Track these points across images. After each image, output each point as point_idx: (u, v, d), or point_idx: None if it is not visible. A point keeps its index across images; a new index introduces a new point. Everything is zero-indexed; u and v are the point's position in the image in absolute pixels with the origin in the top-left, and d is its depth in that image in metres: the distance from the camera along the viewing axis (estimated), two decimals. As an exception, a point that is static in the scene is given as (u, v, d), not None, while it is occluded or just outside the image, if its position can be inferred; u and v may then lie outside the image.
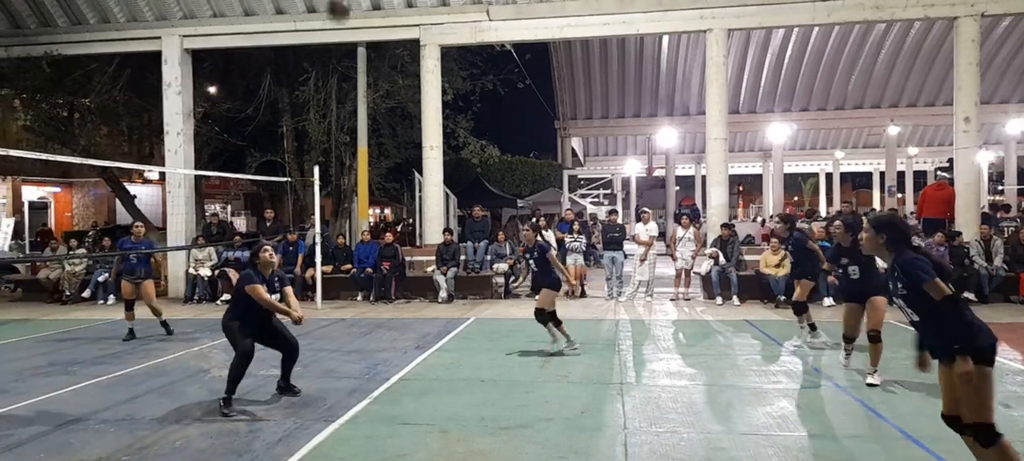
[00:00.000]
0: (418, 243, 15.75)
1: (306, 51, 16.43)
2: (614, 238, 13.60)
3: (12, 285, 16.02)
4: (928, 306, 3.56)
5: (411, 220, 23.57)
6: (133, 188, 21.45)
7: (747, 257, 13.23)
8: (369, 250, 14.12)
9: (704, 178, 22.64)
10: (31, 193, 24.42)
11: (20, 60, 15.23)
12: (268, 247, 6.39)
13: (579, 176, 38.85)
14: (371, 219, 20.42)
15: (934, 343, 3.65)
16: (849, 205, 18.07)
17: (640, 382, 6.85)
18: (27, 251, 20.34)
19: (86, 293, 14.35)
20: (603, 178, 39.66)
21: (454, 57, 17.58)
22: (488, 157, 20.12)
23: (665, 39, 23.76)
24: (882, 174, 38.58)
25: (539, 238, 8.53)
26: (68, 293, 14.30)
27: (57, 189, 25.48)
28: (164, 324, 9.75)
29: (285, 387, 6.43)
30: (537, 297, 8.25)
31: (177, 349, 8.83)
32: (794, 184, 47.74)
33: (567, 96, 27.65)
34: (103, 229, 19.99)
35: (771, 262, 12.31)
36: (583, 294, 13.57)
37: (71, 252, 15.42)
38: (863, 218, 7.39)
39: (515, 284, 14.12)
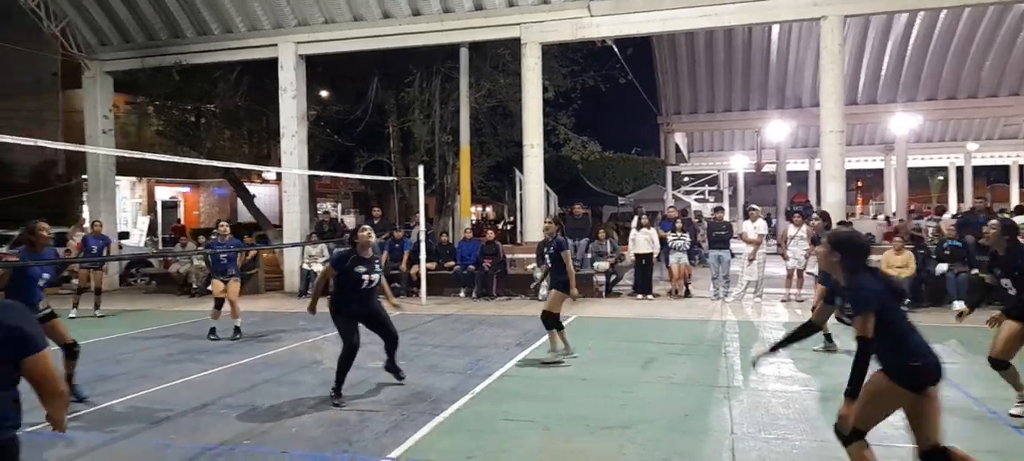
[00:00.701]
0: (519, 241, 15.85)
1: (411, 54, 16.88)
2: (720, 236, 13.17)
3: (147, 278, 17.43)
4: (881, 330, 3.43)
5: (512, 218, 23.75)
6: (252, 188, 22.78)
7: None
8: (471, 247, 14.35)
9: (818, 173, 21.57)
10: (163, 193, 26.44)
11: (153, 70, 16.51)
12: (367, 226, 6.67)
13: (683, 172, 37.88)
14: (473, 217, 20.75)
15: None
16: (982, 202, 16.66)
17: (748, 386, 6.60)
18: (160, 247, 22.04)
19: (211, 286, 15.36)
20: (708, 174, 38.44)
21: (555, 54, 17.55)
22: (589, 154, 19.99)
23: (775, 28, 22.76)
24: (1021, 168, 35.42)
25: (560, 234, 7.82)
26: (195, 286, 15.36)
27: (186, 189, 27.45)
28: (237, 329, 9.53)
29: (391, 368, 6.77)
30: (547, 299, 7.80)
31: (292, 341, 9.30)
32: (920, 179, 44.35)
33: (670, 90, 27.03)
34: (226, 227, 21.30)
35: (894, 262, 11.51)
36: (688, 294, 13.23)
37: (199, 248, 16.54)
38: (1012, 220, 6.47)
39: (615, 282, 13.97)
